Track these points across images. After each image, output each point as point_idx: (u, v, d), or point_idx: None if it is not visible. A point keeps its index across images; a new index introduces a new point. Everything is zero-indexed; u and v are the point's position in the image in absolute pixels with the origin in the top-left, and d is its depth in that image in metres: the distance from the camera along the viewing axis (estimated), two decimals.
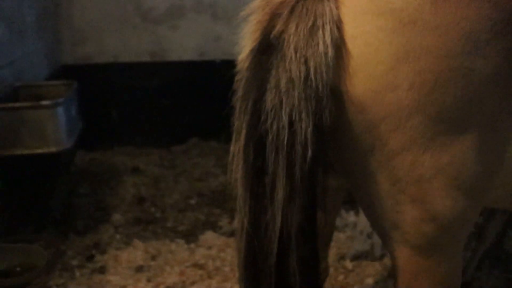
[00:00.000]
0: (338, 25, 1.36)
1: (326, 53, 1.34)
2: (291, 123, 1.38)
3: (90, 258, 3.58)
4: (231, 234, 3.95)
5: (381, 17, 1.31)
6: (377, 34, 1.31)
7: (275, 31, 1.48)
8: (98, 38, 5.48)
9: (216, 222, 4.16)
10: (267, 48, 1.51)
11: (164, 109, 5.78)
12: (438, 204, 1.40)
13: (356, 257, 3.57)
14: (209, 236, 3.89)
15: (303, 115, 1.35)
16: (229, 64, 5.14)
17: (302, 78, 1.35)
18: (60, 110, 3.30)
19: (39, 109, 3.26)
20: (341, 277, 3.33)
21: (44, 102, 3.27)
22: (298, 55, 1.38)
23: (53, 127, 3.29)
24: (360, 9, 1.36)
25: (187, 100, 5.78)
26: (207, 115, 5.70)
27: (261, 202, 1.54)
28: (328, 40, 1.34)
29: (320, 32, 1.36)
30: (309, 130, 1.35)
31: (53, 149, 3.33)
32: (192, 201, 4.50)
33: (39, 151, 3.29)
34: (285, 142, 1.40)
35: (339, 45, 1.36)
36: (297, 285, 1.50)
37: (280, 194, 1.48)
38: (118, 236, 3.88)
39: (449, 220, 1.42)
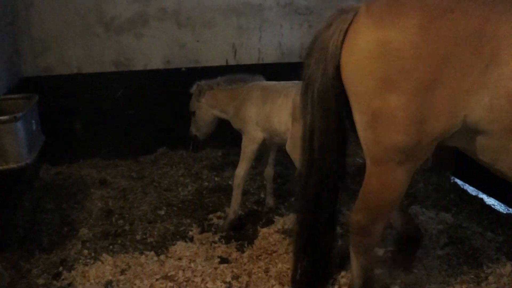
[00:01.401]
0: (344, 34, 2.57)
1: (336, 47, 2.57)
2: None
3: (57, 275, 3.48)
4: (201, 243, 3.91)
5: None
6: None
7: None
8: (59, 49, 5.35)
9: (186, 232, 4.11)
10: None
11: (131, 119, 5.70)
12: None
13: None
14: (179, 247, 3.84)
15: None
16: (195, 72, 5.13)
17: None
18: (19, 124, 3.21)
19: None
20: None
21: (2, 117, 3.17)
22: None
23: (12, 143, 3.20)
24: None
25: (153, 109, 5.71)
26: (175, 123, 5.65)
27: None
28: (339, 41, 2.56)
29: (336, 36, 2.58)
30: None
31: (13, 165, 3.24)
32: (161, 212, 4.44)
33: None
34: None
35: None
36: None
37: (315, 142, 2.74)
38: (85, 251, 3.79)
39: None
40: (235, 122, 4.19)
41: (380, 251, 3.43)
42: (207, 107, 4.37)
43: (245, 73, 4.32)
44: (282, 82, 4.01)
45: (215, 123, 4.50)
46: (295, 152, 3.54)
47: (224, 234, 4.01)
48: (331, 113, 2.67)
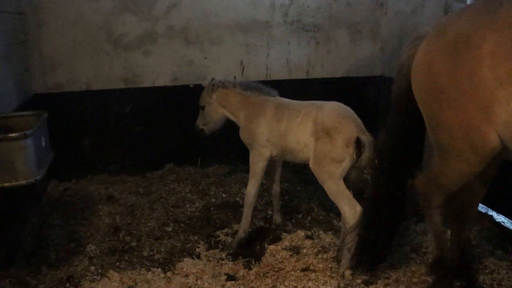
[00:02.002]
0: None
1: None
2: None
3: None
4: (209, 260, 3.90)
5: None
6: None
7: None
8: (69, 66, 5.42)
9: (193, 248, 4.09)
10: None
11: (139, 135, 5.74)
12: None
13: None
14: (186, 264, 3.82)
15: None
16: (203, 88, 5.13)
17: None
18: (29, 141, 3.23)
19: (7, 141, 3.18)
20: None
21: (12, 134, 3.20)
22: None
23: (22, 159, 3.21)
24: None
25: (161, 125, 5.75)
26: (182, 140, 5.68)
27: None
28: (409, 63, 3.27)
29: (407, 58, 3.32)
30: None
31: (22, 182, 3.24)
32: (169, 228, 4.43)
33: (7, 184, 3.20)
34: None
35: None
36: None
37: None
38: (92, 268, 3.78)
39: None
40: (244, 134, 4.08)
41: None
42: (217, 105, 4.26)
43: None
44: (298, 101, 3.93)
45: (223, 121, 4.37)
46: (319, 169, 3.54)
47: (231, 251, 3.99)
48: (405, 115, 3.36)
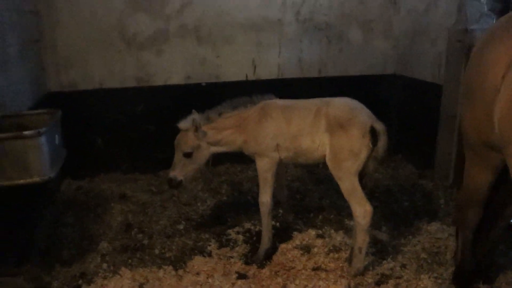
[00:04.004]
0: None
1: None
2: None
3: None
4: (220, 258, 3.91)
5: None
6: None
7: None
8: (82, 65, 5.48)
9: (205, 246, 4.11)
10: None
11: (151, 134, 5.77)
12: None
13: None
14: (197, 262, 3.85)
15: None
16: (215, 87, 5.12)
17: None
18: (43, 139, 3.26)
19: (21, 139, 3.21)
20: None
21: (26, 132, 3.23)
22: None
23: (36, 157, 3.24)
24: None
25: (174, 124, 5.75)
26: None
27: None
28: None
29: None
30: None
31: (36, 179, 3.27)
32: (180, 226, 4.46)
33: (22, 181, 3.23)
34: None
35: None
36: None
37: None
38: (105, 265, 3.83)
39: None
40: (249, 147, 3.77)
41: None
42: (207, 146, 3.80)
43: (246, 96, 3.87)
44: (304, 100, 3.79)
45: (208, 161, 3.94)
46: (337, 165, 3.49)
47: (258, 262, 3.84)
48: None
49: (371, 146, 3.41)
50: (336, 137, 3.48)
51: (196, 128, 3.72)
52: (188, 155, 3.78)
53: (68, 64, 5.45)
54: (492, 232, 3.45)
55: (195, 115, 3.78)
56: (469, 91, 3.02)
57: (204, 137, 3.76)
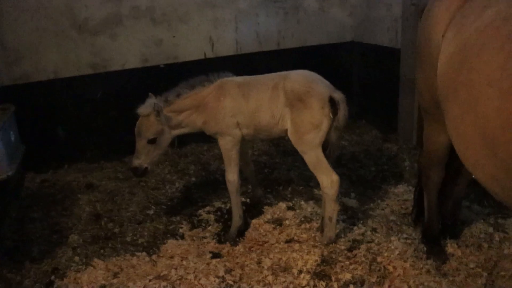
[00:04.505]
0: None
1: None
2: None
3: (49, 284, 3.46)
4: (193, 240, 3.91)
5: None
6: None
7: None
8: (34, 56, 5.26)
9: (176, 229, 4.10)
10: None
11: (113, 120, 5.65)
12: None
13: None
14: (170, 245, 3.84)
15: None
16: (174, 68, 5.01)
17: None
18: None
19: None
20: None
21: None
22: None
23: None
24: None
25: (134, 108, 5.64)
26: None
27: None
28: None
29: None
30: None
31: None
32: (150, 211, 4.43)
33: None
34: None
35: None
36: None
37: None
38: (77, 258, 3.77)
39: None
40: (210, 126, 3.74)
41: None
42: (169, 130, 3.71)
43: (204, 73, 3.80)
44: (261, 76, 3.77)
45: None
46: (299, 138, 3.49)
47: (231, 240, 3.85)
48: None
49: (331, 116, 3.42)
50: (295, 110, 3.47)
51: (158, 113, 3.59)
52: (152, 141, 3.66)
53: (18, 56, 5.22)
54: (455, 190, 3.56)
55: (153, 99, 3.67)
56: (420, 52, 3.07)
57: (167, 121, 3.66)
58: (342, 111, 3.42)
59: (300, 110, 3.45)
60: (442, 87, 2.59)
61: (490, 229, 3.69)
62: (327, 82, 3.56)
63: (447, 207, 3.63)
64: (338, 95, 3.44)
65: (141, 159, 3.72)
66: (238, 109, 3.64)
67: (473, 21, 2.36)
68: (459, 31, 2.46)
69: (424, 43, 2.96)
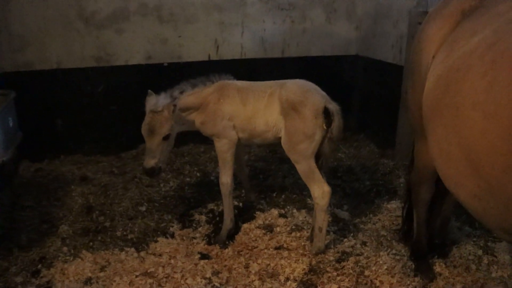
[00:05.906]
0: None
1: None
2: None
3: (36, 273, 3.45)
4: (182, 239, 3.91)
5: None
6: None
7: None
8: (39, 44, 5.28)
9: (167, 228, 4.10)
10: None
11: (112, 114, 5.66)
12: None
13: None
14: (159, 243, 3.83)
15: None
16: (177, 67, 5.01)
17: None
18: None
19: None
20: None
21: None
22: None
23: None
24: None
25: (135, 104, 5.65)
26: None
27: None
28: None
29: None
30: None
31: None
32: (142, 208, 4.42)
33: None
34: None
35: None
36: None
37: None
38: (65, 249, 3.76)
39: None
40: (207, 127, 3.72)
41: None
42: (176, 126, 3.63)
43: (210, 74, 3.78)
44: (260, 82, 3.80)
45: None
46: (292, 148, 3.49)
47: (222, 245, 3.81)
48: None
49: (325, 127, 3.42)
50: (289, 119, 3.48)
51: (175, 108, 3.48)
52: (166, 138, 3.53)
53: (23, 44, 5.24)
54: (444, 208, 3.57)
55: (162, 95, 3.58)
56: (411, 70, 3.10)
57: (180, 116, 3.58)
58: (337, 122, 3.41)
59: (294, 120, 3.45)
60: (427, 106, 2.62)
61: (480, 252, 3.69)
62: (323, 92, 3.56)
63: (435, 225, 3.64)
64: (333, 106, 3.43)
65: (157, 158, 3.55)
66: (235, 113, 3.65)
67: (462, 46, 2.41)
68: (449, 54, 2.51)
69: (415, 61, 2.99)
